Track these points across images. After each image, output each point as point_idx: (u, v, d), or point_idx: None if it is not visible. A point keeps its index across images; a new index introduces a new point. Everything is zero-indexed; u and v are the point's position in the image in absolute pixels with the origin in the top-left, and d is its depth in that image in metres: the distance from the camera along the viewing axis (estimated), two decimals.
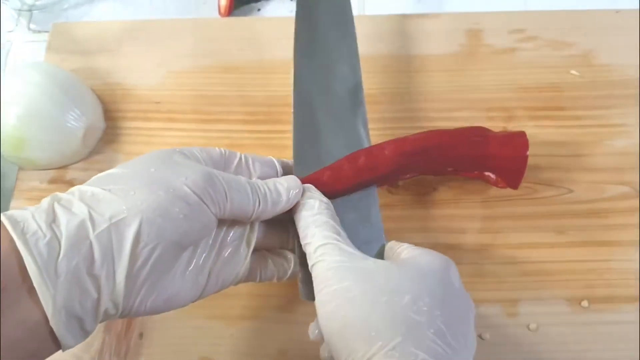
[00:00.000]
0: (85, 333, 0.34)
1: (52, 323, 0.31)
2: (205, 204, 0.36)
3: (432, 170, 0.50)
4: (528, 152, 0.46)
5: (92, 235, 0.32)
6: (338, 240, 0.37)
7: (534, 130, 0.55)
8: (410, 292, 0.34)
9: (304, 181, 0.42)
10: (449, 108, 0.56)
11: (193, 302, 0.40)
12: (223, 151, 0.42)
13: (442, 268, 0.37)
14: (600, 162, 0.53)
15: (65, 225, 0.32)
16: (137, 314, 0.36)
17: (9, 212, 0.33)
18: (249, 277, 0.43)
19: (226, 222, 0.40)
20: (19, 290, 0.31)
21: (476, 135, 0.47)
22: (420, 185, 0.53)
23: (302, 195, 0.41)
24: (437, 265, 0.37)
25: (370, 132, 0.55)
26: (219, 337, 0.48)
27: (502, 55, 0.59)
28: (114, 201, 0.34)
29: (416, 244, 0.50)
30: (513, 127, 0.55)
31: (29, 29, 0.67)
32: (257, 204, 0.39)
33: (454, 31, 0.60)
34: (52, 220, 0.32)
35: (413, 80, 0.58)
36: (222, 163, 0.42)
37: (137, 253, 0.33)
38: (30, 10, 0.68)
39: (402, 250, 0.39)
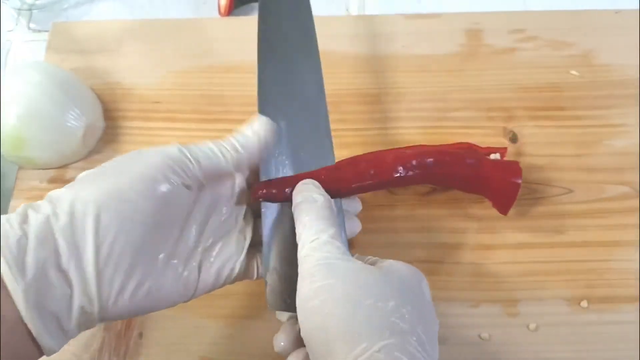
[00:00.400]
0: (64, 332, 0.34)
1: (26, 319, 0.32)
2: (167, 176, 0.37)
3: (431, 183, 0.51)
4: (521, 180, 0.47)
5: (56, 230, 0.33)
6: (332, 237, 0.37)
7: (534, 130, 0.55)
8: (394, 299, 0.34)
9: (306, 176, 0.43)
10: (449, 108, 0.56)
11: (186, 300, 0.39)
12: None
13: (418, 280, 0.37)
14: (600, 162, 0.53)
15: (34, 221, 0.33)
16: (118, 310, 0.35)
17: None
18: (245, 274, 0.42)
19: (210, 210, 0.41)
20: None
21: (471, 157, 0.48)
22: (420, 185, 0.53)
23: (306, 188, 0.41)
24: (414, 277, 0.37)
25: (373, 132, 0.55)
26: (218, 337, 0.48)
27: (502, 55, 0.59)
28: (72, 195, 0.35)
29: (416, 244, 0.51)
30: (513, 127, 0.55)
31: (29, 28, 0.67)
32: (228, 153, 0.40)
33: (454, 31, 0.61)
34: (24, 221, 0.33)
35: (413, 80, 0.58)
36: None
37: (100, 239, 0.34)
38: (30, 10, 0.68)
39: (375, 261, 0.39)
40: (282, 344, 0.39)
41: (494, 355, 0.47)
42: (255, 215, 0.44)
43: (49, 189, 0.54)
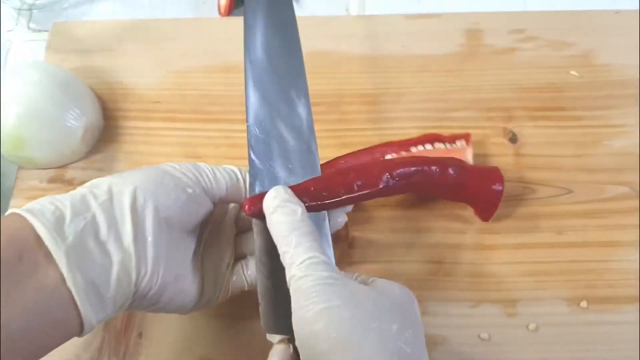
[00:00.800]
0: (102, 302, 0.35)
1: (68, 281, 0.33)
2: (190, 178, 0.40)
3: (416, 192, 0.51)
4: (502, 187, 0.48)
5: (94, 205, 0.36)
6: (324, 255, 0.36)
7: (533, 131, 0.55)
8: (396, 322, 0.34)
9: (294, 189, 0.41)
10: (449, 108, 0.56)
11: (188, 309, 0.42)
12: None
13: (410, 301, 0.37)
14: (599, 163, 0.53)
15: (69, 199, 0.36)
16: (148, 289, 0.37)
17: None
18: (236, 283, 0.44)
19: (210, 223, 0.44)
20: (36, 257, 0.33)
21: (454, 165, 0.48)
22: None
23: (279, 194, 0.39)
24: (407, 298, 0.37)
25: (372, 132, 0.55)
26: (218, 337, 0.48)
27: (502, 56, 0.59)
28: (109, 180, 0.38)
29: (416, 244, 0.51)
30: (513, 127, 0.55)
31: (29, 28, 0.67)
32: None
33: (453, 31, 0.60)
34: (54, 200, 0.36)
35: (413, 80, 0.58)
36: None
37: (137, 216, 0.37)
38: (30, 10, 0.68)
39: (365, 280, 0.38)
40: None
41: (494, 356, 0.47)
42: (238, 230, 0.47)
43: (49, 189, 0.54)
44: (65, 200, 0.36)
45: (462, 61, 0.59)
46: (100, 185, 0.38)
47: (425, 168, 0.46)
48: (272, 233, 0.37)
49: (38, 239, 0.33)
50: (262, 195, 0.40)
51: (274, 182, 0.42)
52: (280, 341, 0.39)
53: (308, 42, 0.59)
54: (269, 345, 0.47)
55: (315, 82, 0.58)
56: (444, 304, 0.49)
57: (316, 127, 0.55)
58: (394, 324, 0.33)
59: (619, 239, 0.51)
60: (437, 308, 0.49)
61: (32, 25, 0.67)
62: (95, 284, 0.34)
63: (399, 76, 0.58)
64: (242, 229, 0.46)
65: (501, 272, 0.50)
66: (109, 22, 0.64)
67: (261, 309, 0.40)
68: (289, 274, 0.36)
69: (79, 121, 0.53)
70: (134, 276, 0.36)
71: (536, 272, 0.49)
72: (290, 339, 0.39)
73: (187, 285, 0.40)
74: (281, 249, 0.37)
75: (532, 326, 0.47)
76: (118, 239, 0.36)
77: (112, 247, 0.36)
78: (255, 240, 0.41)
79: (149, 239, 0.37)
